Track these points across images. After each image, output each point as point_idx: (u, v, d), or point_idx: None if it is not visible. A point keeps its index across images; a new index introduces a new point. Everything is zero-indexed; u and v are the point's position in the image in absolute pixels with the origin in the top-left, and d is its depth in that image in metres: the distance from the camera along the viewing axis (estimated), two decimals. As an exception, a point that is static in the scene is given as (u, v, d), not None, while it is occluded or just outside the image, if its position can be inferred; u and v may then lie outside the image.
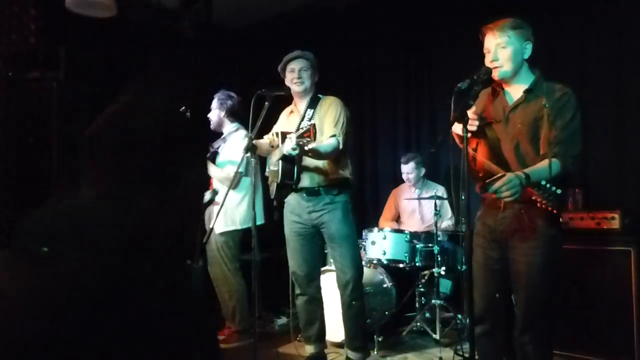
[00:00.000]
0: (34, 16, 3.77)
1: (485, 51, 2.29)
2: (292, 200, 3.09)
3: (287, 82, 3.05)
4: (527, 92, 2.24)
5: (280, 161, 2.86)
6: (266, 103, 2.81)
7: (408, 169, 4.24)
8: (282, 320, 4.27)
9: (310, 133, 2.51)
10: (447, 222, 4.18)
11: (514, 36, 2.22)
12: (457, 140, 2.32)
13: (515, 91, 2.29)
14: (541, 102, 2.19)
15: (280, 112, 3.27)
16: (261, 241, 4.07)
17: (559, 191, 2.00)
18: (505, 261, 2.28)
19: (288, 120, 3.18)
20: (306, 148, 2.56)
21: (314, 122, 2.97)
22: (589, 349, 3.08)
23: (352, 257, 2.96)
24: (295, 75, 3.01)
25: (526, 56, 2.25)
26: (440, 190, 4.10)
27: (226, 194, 2.88)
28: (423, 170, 4.28)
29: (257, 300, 2.76)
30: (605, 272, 3.07)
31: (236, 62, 5.43)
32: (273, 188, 3.12)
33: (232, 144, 3.68)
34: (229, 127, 3.80)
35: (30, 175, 3.40)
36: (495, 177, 2.07)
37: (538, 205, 2.05)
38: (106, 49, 4.39)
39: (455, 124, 2.18)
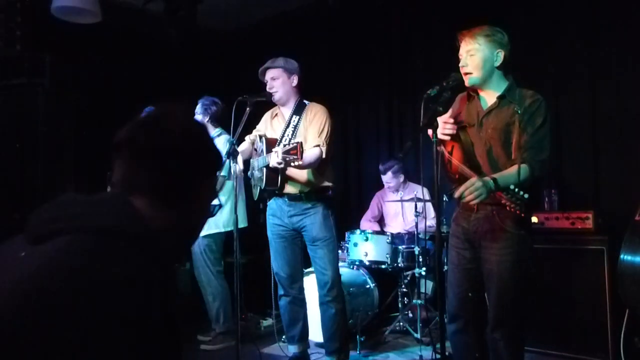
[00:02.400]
0: (19, 23, 3.81)
1: (459, 56, 2.35)
2: (274, 204, 3.16)
3: None
4: (500, 98, 2.30)
5: (264, 169, 2.94)
6: (247, 109, 2.88)
7: (387, 179, 4.32)
8: (268, 321, 4.33)
9: (297, 151, 2.59)
10: (430, 222, 4.24)
11: (484, 43, 2.27)
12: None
13: (489, 97, 2.35)
14: (513, 108, 2.25)
15: (262, 117, 3.34)
16: (245, 244, 4.12)
17: (526, 196, 2.04)
18: (478, 261, 2.34)
19: (272, 124, 3.24)
20: (292, 164, 2.65)
21: (300, 132, 3.05)
22: (564, 345, 3.16)
23: (331, 259, 3.04)
24: (268, 85, 3.10)
25: (497, 64, 2.28)
26: (422, 192, 4.17)
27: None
28: (402, 177, 4.35)
29: (240, 302, 2.82)
30: (579, 270, 3.15)
31: (220, 68, 5.49)
32: (256, 191, 3.20)
33: None
34: (211, 132, 3.86)
35: (16, 181, 3.44)
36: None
37: (507, 208, 2.11)
38: (91, 56, 4.43)
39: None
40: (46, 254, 0.82)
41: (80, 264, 0.80)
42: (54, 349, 0.71)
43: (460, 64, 2.31)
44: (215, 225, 3.70)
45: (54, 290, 0.76)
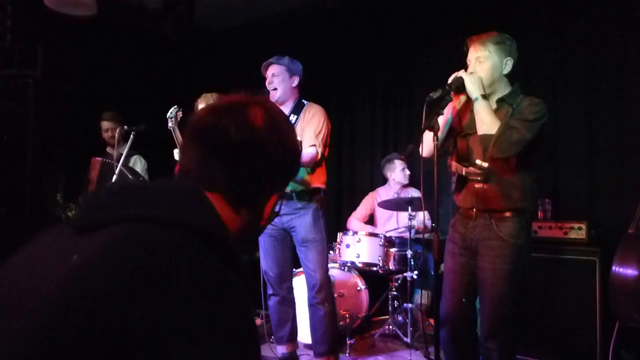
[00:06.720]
0: (10, 13, 3.75)
1: (467, 62, 2.34)
2: (265, 203, 3.13)
3: None
4: (499, 100, 2.31)
5: None
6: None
7: (397, 175, 4.30)
8: (257, 322, 4.30)
9: None
10: (425, 222, 4.18)
11: (494, 51, 2.26)
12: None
13: (491, 103, 2.32)
14: (509, 109, 2.26)
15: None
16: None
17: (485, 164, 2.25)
18: (473, 267, 2.34)
19: None
20: None
21: (297, 131, 3.02)
22: (553, 355, 3.15)
23: (319, 261, 3.00)
24: (267, 80, 3.07)
25: (505, 72, 2.28)
26: (416, 194, 4.15)
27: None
28: (408, 179, 4.36)
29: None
30: (571, 281, 3.14)
31: (217, 64, 5.45)
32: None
33: None
34: None
35: (6, 173, 3.38)
36: None
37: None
38: (85, 49, 4.37)
39: (426, 132, 2.22)
40: (98, 243, 0.71)
41: (140, 257, 0.69)
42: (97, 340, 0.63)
43: (469, 70, 2.29)
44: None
45: (100, 285, 0.66)
